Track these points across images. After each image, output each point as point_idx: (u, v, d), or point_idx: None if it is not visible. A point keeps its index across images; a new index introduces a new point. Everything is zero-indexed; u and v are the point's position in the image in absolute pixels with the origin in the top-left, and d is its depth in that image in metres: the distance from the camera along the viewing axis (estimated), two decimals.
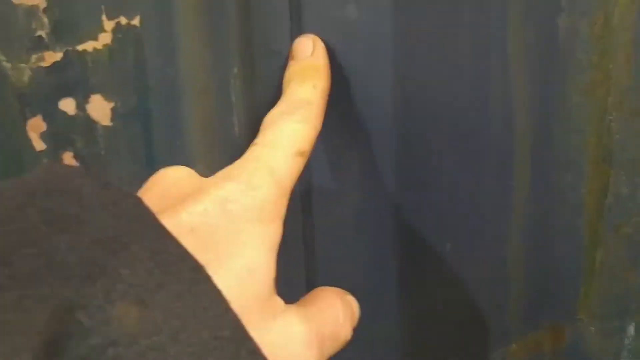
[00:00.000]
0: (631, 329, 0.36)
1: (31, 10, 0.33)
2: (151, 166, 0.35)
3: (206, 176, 0.27)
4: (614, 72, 0.32)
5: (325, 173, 0.36)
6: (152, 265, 0.21)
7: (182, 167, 0.28)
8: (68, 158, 0.34)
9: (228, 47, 0.34)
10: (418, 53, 0.33)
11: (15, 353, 0.19)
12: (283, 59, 0.34)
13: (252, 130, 0.30)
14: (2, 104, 0.33)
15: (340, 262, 0.38)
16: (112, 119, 0.34)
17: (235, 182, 0.26)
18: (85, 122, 0.34)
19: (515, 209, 0.35)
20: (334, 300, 0.28)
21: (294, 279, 0.38)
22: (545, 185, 0.34)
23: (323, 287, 0.29)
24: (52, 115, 0.34)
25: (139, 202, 0.23)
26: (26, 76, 0.33)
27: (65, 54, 0.33)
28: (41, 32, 0.33)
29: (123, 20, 0.33)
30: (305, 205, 0.37)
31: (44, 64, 0.33)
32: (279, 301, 0.26)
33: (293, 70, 0.32)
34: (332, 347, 0.27)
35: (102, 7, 0.33)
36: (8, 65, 0.33)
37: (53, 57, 0.33)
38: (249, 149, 0.28)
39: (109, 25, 0.33)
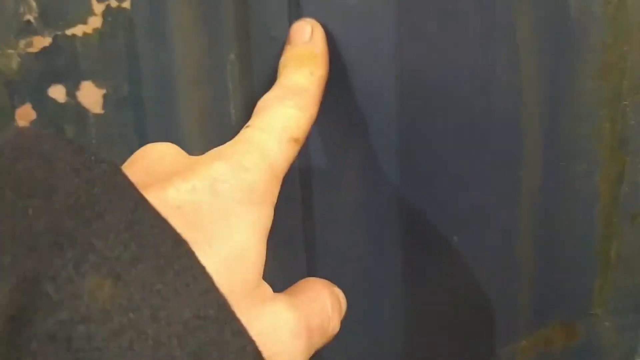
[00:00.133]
0: None
1: None
2: None
3: None
4: (629, 54, 0.31)
5: (326, 164, 0.36)
6: (128, 237, 0.20)
7: (169, 143, 0.27)
8: None
9: (224, 32, 0.34)
10: (420, 38, 0.33)
11: None
12: (281, 46, 0.33)
13: (249, 119, 0.30)
14: None
15: (342, 255, 0.38)
16: (104, 107, 0.34)
17: (226, 162, 0.25)
18: (76, 110, 0.34)
19: (525, 200, 0.34)
20: (322, 291, 0.28)
21: (295, 272, 0.38)
22: (557, 174, 0.34)
23: (311, 278, 0.28)
24: (42, 103, 0.33)
25: (116, 169, 0.22)
26: (14, 63, 0.33)
27: (54, 38, 0.33)
28: (29, 17, 0.33)
29: (113, 3, 0.33)
30: (305, 197, 0.36)
31: (33, 50, 0.33)
32: (267, 289, 0.25)
33: (290, 55, 0.32)
34: (320, 339, 0.26)
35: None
36: None
37: (42, 42, 0.33)
38: (242, 131, 0.27)
39: (98, 8, 0.33)
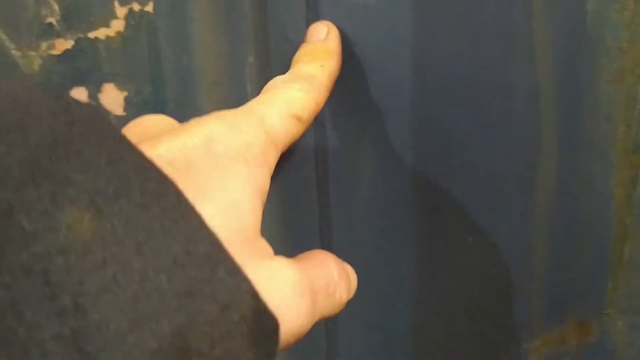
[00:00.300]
0: None
1: None
2: None
3: None
4: None
5: (342, 164, 0.36)
6: (109, 173, 0.19)
7: (163, 115, 0.27)
8: None
9: (243, 36, 0.34)
10: (438, 41, 0.33)
11: None
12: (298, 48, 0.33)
13: None
14: None
15: (358, 255, 0.37)
16: (125, 109, 0.34)
17: (221, 122, 0.24)
18: None
19: (541, 201, 0.35)
20: (327, 259, 0.26)
21: None
22: (572, 177, 0.34)
23: (314, 250, 0.27)
24: None
25: (97, 111, 0.21)
26: (36, 65, 0.33)
27: (77, 41, 0.33)
28: (51, 19, 0.33)
29: (136, 7, 0.33)
30: (322, 196, 0.36)
31: (55, 52, 0.33)
32: (267, 246, 0.24)
33: (304, 50, 0.32)
34: (326, 305, 0.25)
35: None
36: (18, 53, 0.33)
37: (64, 44, 0.33)
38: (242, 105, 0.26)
39: (121, 11, 0.33)
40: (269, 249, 0.24)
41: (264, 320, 0.21)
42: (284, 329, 0.22)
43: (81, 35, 0.33)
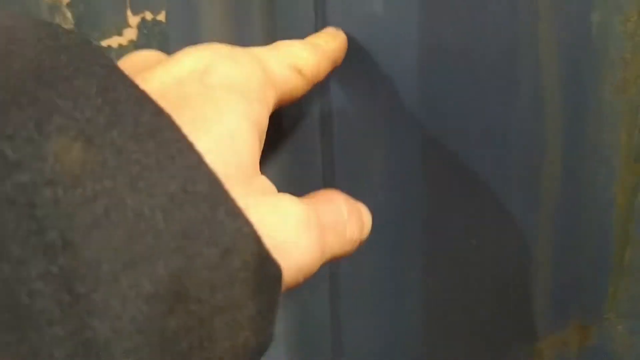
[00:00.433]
0: None
1: (54, 5, 0.33)
2: None
3: None
4: None
5: (350, 166, 0.36)
6: (100, 102, 0.17)
7: (153, 50, 0.25)
8: None
9: (253, 44, 0.33)
10: (444, 48, 0.33)
11: None
12: None
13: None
14: None
15: (364, 253, 0.37)
16: None
17: (216, 53, 0.22)
18: None
19: (545, 206, 0.35)
20: (336, 196, 0.25)
21: (317, 272, 0.38)
22: (576, 183, 0.34)
23: (327, 189, 0.25)
24: None
25: (86, 39, 0.19)
26: None
27: None
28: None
29: (148, 16, 0.33)
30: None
31: None
32: (268, 183, 0.22)
33: (313, 35, 0.31)
34: (336, 242, 0.24)
35: (127, 1, 0.33)
36: None
37: None
38: None
39: (134, 20, 0.33)
40: (270, 186, 0.22)
41: (266, 267, 0.19)
42: (291, 265, 0.21)
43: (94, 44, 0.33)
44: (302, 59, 0.26)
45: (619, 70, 0.32)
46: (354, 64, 0.34)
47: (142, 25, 0.33)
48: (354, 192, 0.36)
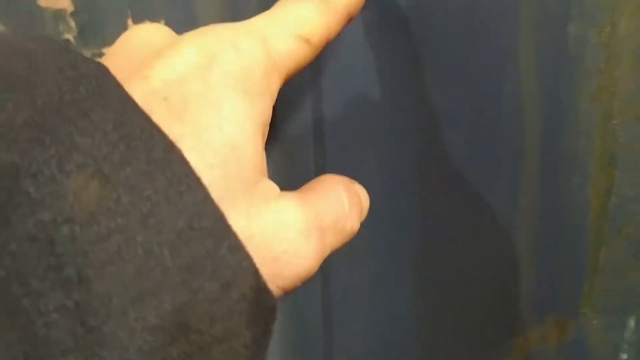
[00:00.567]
0: (631, 323, 0.36)
1: (58, 14, 0.33)
2: None
3: None
4: (620, 78, 0.32)
5: (344, 170, 0.35)
6: (116, 138, 0.18)
7: (157, 24, 0.25)
8: None
9: None
10: (432, 57, 0.34)
11: None
12: None
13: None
14: None
15: (354, 254, 0.38)
16: None
17: (219, 39, 0.22)
18: None
19: (525, 208, 0.35)
20: (337, 186, 0.24)
21: (306, 285, 0.38)
22: (553, 186, 0.35)
23: (327, 175, 0.25)
24: None
25: (103, 69, 0.20)
26: None
27: (92, 57, 0.32)
28: (68, 36, 0.33)
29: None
30: None
31: None
32: (271, 185, 0.22)
33: None
34: (336, 240, 0.24)
35: (128, 11, 0.33)
36: None
37: None
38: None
39: None
40: (273, 189, 0.22)
41: (263, 299, 0.20)
42: (291, 274, 0.21)
43: (96, 51, 0.33)
44: (310, 24, 0.24)
45: (594, 79, 0.32)
46: (346, 66, 0.34)
47: None
48: None
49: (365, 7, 0.28)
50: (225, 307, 0.19)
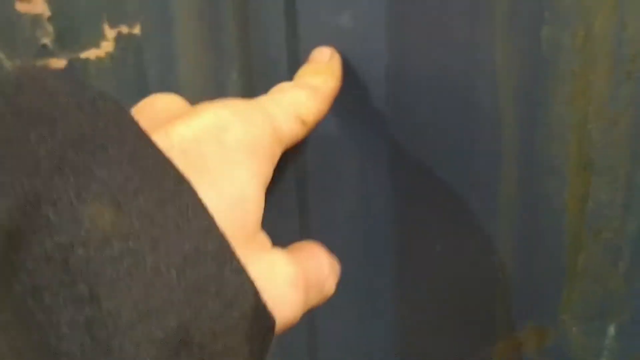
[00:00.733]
0: (611, 330, 0.36)
1: (36, 19, 0.34)
2: None
3: None
4: (594, 82, 0.32)
5: (322, 176, 0.37)
6: (131, 170, 0.20)
7: (174, 94, 0.27)
8: None
9: (227, 54, 0.35)
10: (410, 62, 0.34)
11: None
12: (280, 67, 0.35)
13: None
14: None
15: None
16: None
17: (233, 112, 0.24)
18: None
19: (503, 213, 0.36)
20: (319, 252, 0.27)
21: None
22: (531, 193, 0.35)
23: (309, 241, 0.28)
24: None
25: (121, 107, 0.21)
26: None
27: (69, 61, 0.34)
28: (46, 40, 0.34)
29: (124, 29, 0.34)
30: (302, 207, 0.38)
31: None
32: (267, 239, 0.25)
33: (307, 68, 0.32)
34: (316, 297, 0.26)
35: (104, 16, 0.34)
36: None
37: (57, 64, 0.34)
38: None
39: (110, 33, 0.34)
40: (267, 242, 0.24)
41: (262, 318, 0.22)
42: (279, 319, 0.23)
43: (73, 56, 0.34)
44: (306, 109, 0.28)
45: (568, 83, 0.32)
46: None
47: (119, 38, 0.34)
48: (326, 201, 0.38)
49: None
50: (227, 325, 0.20)
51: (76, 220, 0.18)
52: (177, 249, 0.19)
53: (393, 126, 0.35)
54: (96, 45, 0.34)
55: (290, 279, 0.24)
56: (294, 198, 0.38)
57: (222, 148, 0.23)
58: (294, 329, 0.39)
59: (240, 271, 0.21)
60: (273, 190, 0.26)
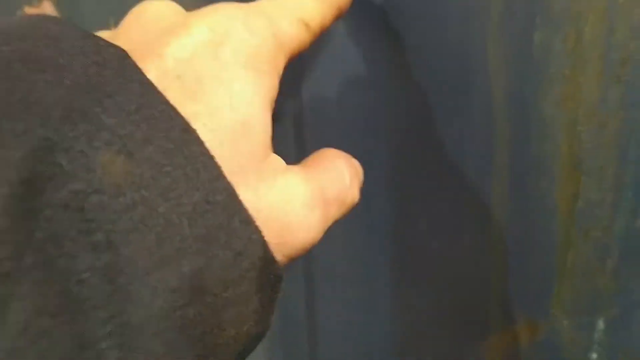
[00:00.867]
0: (601, 324, 0.36)
1: None
2: None
3: None
4: (584, 85, 0.33)
5: None
6: (138, 119, 0.20)
7: (165, 0, 0.25)
8: None
9: None
10: (405, 65, 0.35)
11: None
12: None
13: None
14: None
15: (335, 262, 0.39)
16: None
17: (230, 19, 0.23)
18: None
19: (495, 211, 0.36)
20: (338, 161, 0.26)
21: (291, 280, 0.40)
22: (523, 190, 0.35)
23: (326, 148, 0.27)
24: None
25: (124, 54, 0.21)
26: None
27: None
28: None
29: None
30: None
31: None
32: (279, 160, 0.24)
33: None
34: (338, 211, 0.25)
35: (112, 21, 0.34)
36: None
37: None
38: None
39: None
40: (280, 163, 0.24)
41: (270, 269, 0.22)
42: (296, 243, 0.23)
43: None
44: (310, 11, 0.26)
45: (559, 86, 0.33)
46: (324, 69, 0.35)
47: None
48: None
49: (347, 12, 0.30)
50: (237, 274, 0.21)
51: (89, 168, 0.18)
52: (187, 199, 0.20)
53: (388, 127, 0.36)
54: None
55: (305, 201, 0.23)
56: None
57: (220, 65, 0.22)
58: (294, 327, 0.41)
59: (248, 222, 0.21)
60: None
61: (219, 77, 0.22)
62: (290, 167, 0.24)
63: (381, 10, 0.34)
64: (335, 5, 0.27)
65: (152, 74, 0.21)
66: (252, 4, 0.25)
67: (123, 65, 0.20)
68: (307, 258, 0.40)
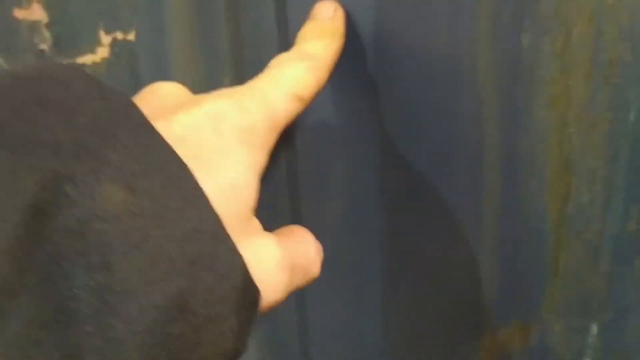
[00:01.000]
0: (594, 328, 0.36)
1: (34, 25, 0.34)
2: None
3: None
4: (573, 87, 0.33)
5: (314, 177, 0.38)
6: (139, 155, 0.22)
7: (176, 83, 0.28)
8: None
9: (219, 60, 0.36)
10: (393, 68, 0.35)
11: (4, 212, 0.20)
12: None
13: None
14: None
15: (328, 260, 0.38)
16: None
17: (229, 100, 0.26)
18: None
19: (487, 214, 0.36)
20: (307, 237, 0.29)
21: None
22: (514, 192, 0.35)
23: (297, 225, 0.29)
24: None
25: (129, 101, 0.23)
26: None
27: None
28: (43, 46, 0.35)
29: (119, 35, 0.35)
30: (294, 206, 0.38)
31: None
32: (258, 224, 0.26)
33: (310, 27, 0.32)
34: (302, 279, 0.28)
35: (100, 22, 0.34)
36: None
37: None
38: (249, 81, 0.28)
39: (106, 39, 0.35)
40: (259, 227, 0.26)
41: (249, 292, 0.24)
42: (265, 298, 0.25)
43: (70, 61, 0.35)
44: (304, 83, 0.28)
45: (548, 88, 0.33)
46: None
47: (114, 44, 0.35)
48: (316, 198, 0.38)
49: None
50: (218, 295, 0.22)
51: (93, 198, 0.20)
52: (178, 228, 0.22)
53: (378, 130, 0.36)
54: (92, 50, 0.35)
55: (278, 262, 0.26)
56: (286, 198, 0.38)
57: (219, 137, 0.25)
58: (286, 327, 0.40)
59: (232, 250, 0.23)
60: (267, 176, 0.27)
61: (217, 147, 0.25)
62: (267, 232, 0.27)
63: (370, 13, 0.34)
64: (330, 66, 0.30)
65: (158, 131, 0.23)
66: (250, 83, 0.27)
67: (127, 108, 0.23)
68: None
